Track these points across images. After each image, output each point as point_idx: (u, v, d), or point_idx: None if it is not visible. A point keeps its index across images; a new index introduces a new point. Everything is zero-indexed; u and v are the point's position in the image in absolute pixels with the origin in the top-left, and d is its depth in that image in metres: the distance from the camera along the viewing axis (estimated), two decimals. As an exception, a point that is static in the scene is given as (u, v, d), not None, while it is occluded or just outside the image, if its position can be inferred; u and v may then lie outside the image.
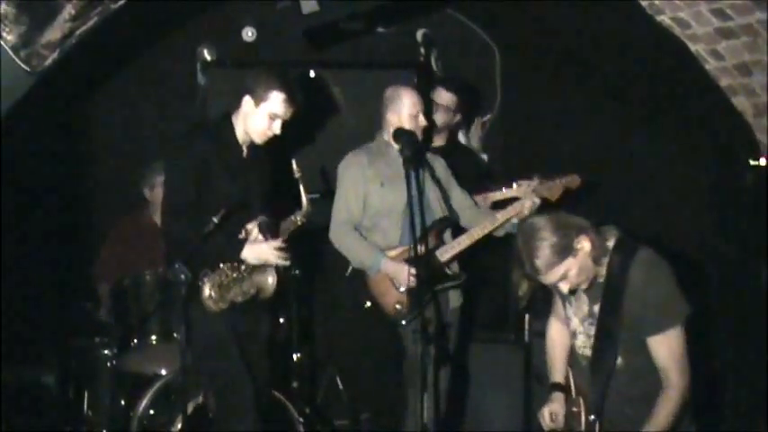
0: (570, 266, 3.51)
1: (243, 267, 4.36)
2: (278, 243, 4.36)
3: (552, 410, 3.90)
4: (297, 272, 5.48)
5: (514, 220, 5.06)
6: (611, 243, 3.65)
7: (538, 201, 5.05)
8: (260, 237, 4.37)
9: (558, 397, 3.94)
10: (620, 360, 3.67)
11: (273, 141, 4.49)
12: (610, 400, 3.69)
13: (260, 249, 4.34)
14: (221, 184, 4.31)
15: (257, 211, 4.45)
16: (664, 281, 3.61)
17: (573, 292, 3.67)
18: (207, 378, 4.57)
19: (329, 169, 5.50)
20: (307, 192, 4.49)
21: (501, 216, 5.05)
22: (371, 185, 5.00)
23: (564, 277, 3.54)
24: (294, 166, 4.41)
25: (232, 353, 4.37)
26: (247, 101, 4.35)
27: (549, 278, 3.54)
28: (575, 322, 3.85)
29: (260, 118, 4.35)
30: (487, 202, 5.51)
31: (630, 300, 3.59)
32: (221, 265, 4.30)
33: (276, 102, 4.32)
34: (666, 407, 3.58)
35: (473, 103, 6.75)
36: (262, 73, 4.42)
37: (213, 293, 4.27)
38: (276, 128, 4.38)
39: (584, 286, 3.65)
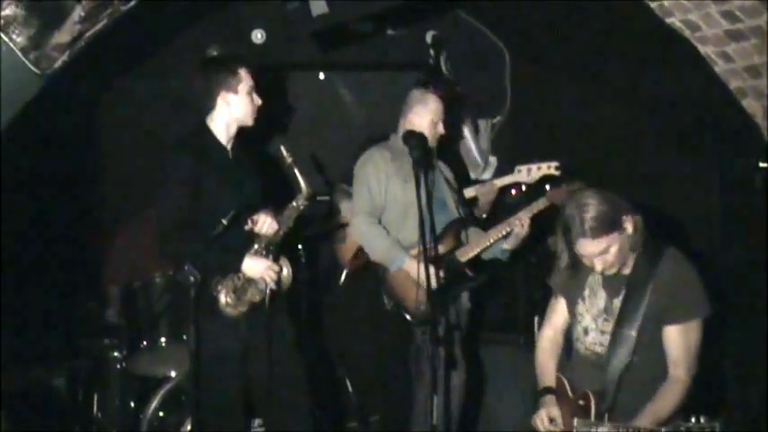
0: (613, 242, 3.57)
1: None
2: (276, 267, 4.41)
3: (551, 414, 3.88)
4: (306, 272, 5.50)
5: (506, 246, 5.12)
6: None
7: (528, 220, 5.06)
8: (268, 220, 4.39)
9: (552, 400, 3.93)
10: (636, 356, 3.68)
11: (255, 135, 4.60)
12: (626, 399, 3.69)
13: (260, 265, 4.35)
14: (216, 191, 4.32)
15: (255, 209, 4.44)
16: (692, 275, 3.69)
17: (601, 274, 3.71)
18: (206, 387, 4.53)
19: (340, 170, 5.51)
20: (303, 174, 4.48)
21: (511, 222, 5.06)
22: (394, 181, 5.02)
23: (605, 252, 3.58)
24: (284, 152, 4.42)
25: (234, 370, 4.35)
26: (224, 95, 4.42)
27: (592, 247, 3.57)
28: (587, 319, 3.85)
29: (243, 100, 4.45)
30: (494, 189, 5.59)
31: (656, 290, 3.63)
32: None
33: (246, 75, 4.47)
34: (668, 398, 3.62)
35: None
36: (215, 70, 4.48)
37: (229, 299, 4.28)
38: (257, 99, 4.50)
39: (612, 271, 3.68)
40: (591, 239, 3.55)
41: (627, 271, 3.73)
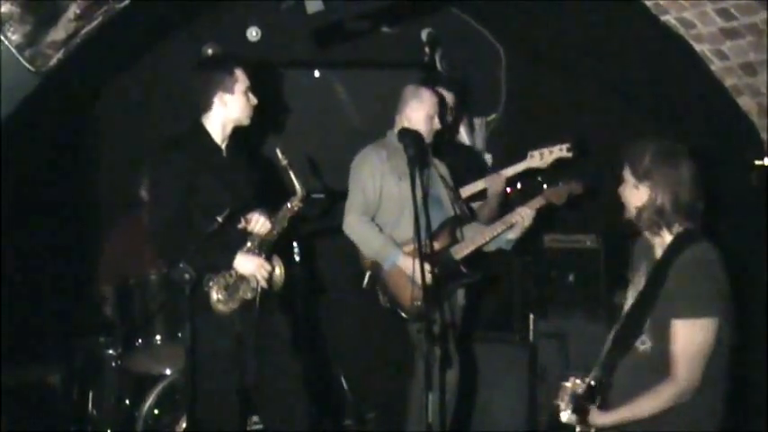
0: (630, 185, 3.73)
1: None
2: (268, 266, 4.40)
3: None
4: (301, 270, 5.50)
5: (510, 236, 5.13)
6: (675, 229, 3.64)
7: (532, 212, 5.07)
8: (261, 219, 4.40)
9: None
10: (649, 344, 3.55)
11: (250, 133, 4.62)
12: (635, 386, 3.56)
13: (252, 263, 4.36)
14: (210, 190, 4.33)
15: (249, 208, 4.45)
16: (711, 272, 3.52)
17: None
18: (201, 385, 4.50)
19: (335, 168, 5.51)
20: (298, 175, 4.49)
21: (506, 220, 5.07)
22: (389, 179, 5.01)
23: (623, 185, 3.75)
24: (279, 154, 4.43)
25: (229, 368, 4.34)
26: (221, 96, 4.43)
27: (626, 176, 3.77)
28: (629, 303, 3.75)
29: (240, 100, 4.46)
30: (501, 179, 5.59)
31: (672, 278, 3.50)
32: None
33: (242, 76, 4.48)
34: (658, 397, 3.45)
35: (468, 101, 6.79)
36: (211, 71, 4.51)
37: (221, 296, 4.28)
38: (253, 98, 4.51)
39: (628, 213, 3.72)
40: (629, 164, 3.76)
41: (659, 253, 3.65)
